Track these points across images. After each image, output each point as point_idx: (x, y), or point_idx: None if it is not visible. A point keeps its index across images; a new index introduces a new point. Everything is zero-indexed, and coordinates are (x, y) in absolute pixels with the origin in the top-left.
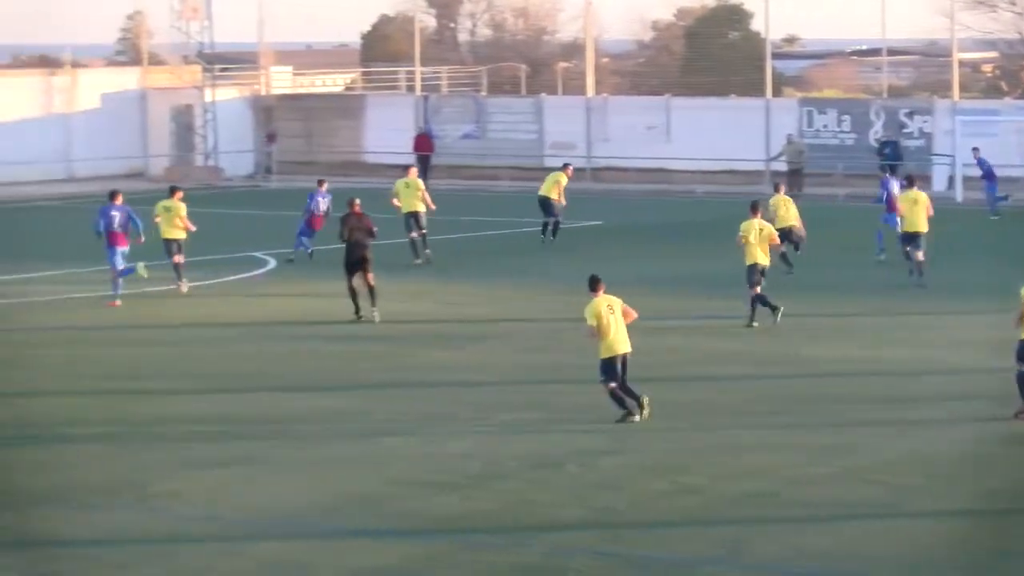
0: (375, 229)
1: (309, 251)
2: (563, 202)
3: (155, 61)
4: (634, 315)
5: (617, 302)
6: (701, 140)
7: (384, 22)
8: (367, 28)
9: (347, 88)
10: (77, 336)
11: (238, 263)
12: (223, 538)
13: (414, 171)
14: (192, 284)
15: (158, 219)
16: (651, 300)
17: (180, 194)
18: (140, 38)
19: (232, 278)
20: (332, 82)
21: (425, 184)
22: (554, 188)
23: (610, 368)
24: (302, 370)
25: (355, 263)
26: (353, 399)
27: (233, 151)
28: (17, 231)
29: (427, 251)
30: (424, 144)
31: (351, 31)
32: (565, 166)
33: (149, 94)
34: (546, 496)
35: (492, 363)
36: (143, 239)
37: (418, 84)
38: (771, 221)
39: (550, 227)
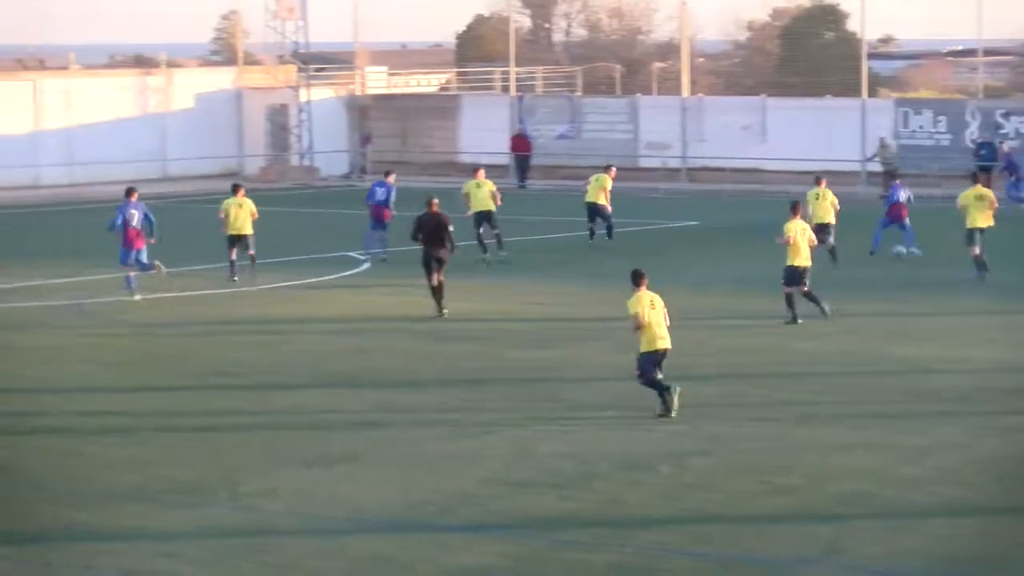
0: (452, 228)
1: (379, 254)
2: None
3: (250, 61)
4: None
5: (659, 300)
6: (796, 140)
7: (479, 22)
8: (462, 28)
9: (442, 88)
10: (173, 332)
11: (333, 262)
12: (314, 536)
13: (482, 172)
14: (287, 284)
15: (222, 215)
16: (744, 300)
17: (243, 191)
18: (235, 38)
19: (327, 277)
20: (427, 82)
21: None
22: (600, 193)
23: (649, 363)
24: (395, 368)
25: (430, 261)
26: (447, 397)
27: (328, 151)
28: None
29: (503, 253)
30: (521, 144)
31: (446, 31)
32: (608, 167)
33: (244, 94)
34: (639, 496)
35: (585, 362)
36: (154, 239)
37: (513, 84)
38: (808, 220)
39: (600, 230)
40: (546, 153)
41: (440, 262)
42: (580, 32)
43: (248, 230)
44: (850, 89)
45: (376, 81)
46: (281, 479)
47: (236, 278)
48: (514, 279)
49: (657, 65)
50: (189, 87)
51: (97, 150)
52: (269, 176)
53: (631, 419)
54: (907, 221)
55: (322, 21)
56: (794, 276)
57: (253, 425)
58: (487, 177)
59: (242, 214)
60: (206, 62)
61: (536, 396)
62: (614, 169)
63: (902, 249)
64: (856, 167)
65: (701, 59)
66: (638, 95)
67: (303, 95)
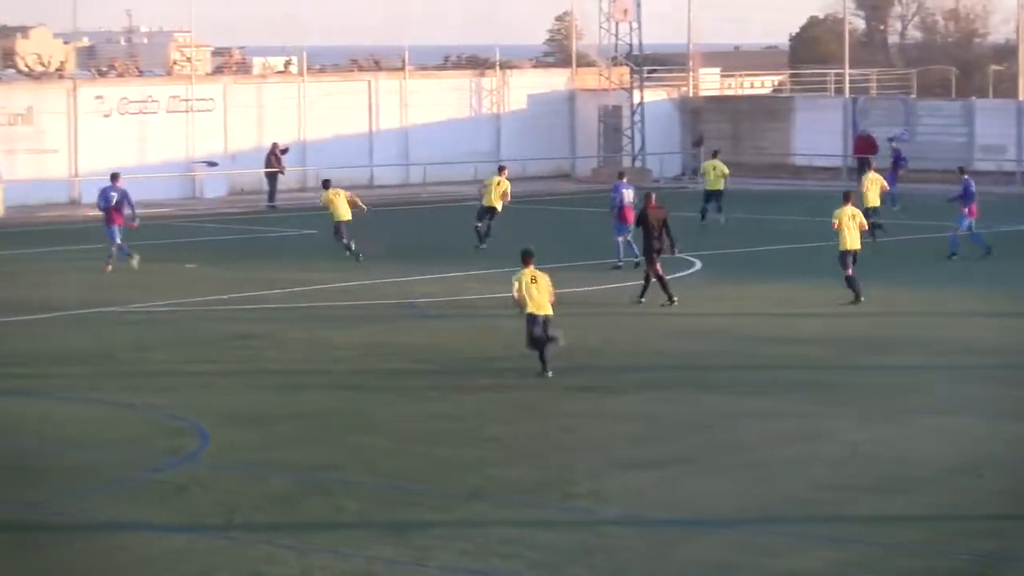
0: (667, 220)
1: (620, 260)
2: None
3: (583, 62)
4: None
5: (543, 277)
6: None
7: (813, 24)
8: (796, 30)
9: (775, 90)
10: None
11: (667, 264)
12: (645, 539)
13: (505, 171)
14: (616, 285)
15: (324, 201)
16: None
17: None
18: (569, 39)
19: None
20: (760, 84)
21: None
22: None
23: (530, 323)
24: (726, 369)
25: (649, 253)
26: (778, 401)
27: (661, 152)
28: (444, 230)
29: (483, 246)
30: (866, 146)
31: (780, 33)
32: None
33: (577, 95)
34: (968, 500)
35: (917, 366)
36: (137, 224)
37: (847, 86)
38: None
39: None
40: (881, 155)
41: (658, 253)
42: (915, 34)
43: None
44: None
45: (709, 83)
46: (613, 481)
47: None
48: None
49: (993, 68)
50: (522, 88)
51: (431, 150)
52: (601, 177)
53: (962, 424)
54: None
55: (655, 23)
56: (845, 259)
57: (587, 428)
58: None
59: (340, 201)
60: (539, 63)
61: (868, 401)
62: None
63: None
64: None
65: None
66: (973, 98)
67: (636, 97)
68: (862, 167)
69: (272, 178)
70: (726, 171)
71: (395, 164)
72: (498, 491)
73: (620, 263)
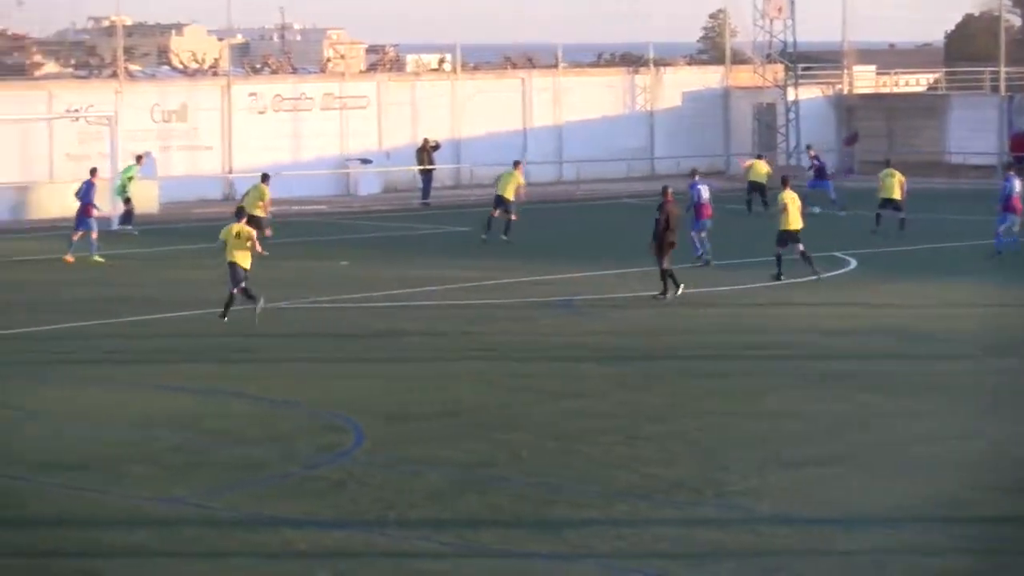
0: (678, 217)
1: (699, 254)
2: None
3: (737, 59)
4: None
5: (247, 231)
6: None
7: (968, 21)
8: (951, 27)
9: (929, 88)
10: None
11: (821, 262)
12: (801, 537)
13: (521, 167)
14: (769, 284)
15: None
16: None
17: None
18: (723, 36)
19: (812, 278)
20: (915, 82)
21: None
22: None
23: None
24: (879, 367)
25: (663, 246)
26: (927, 403)
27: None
28: (598, 227)
29: (505, 237)
30: (1023, 144)
31: (935, 30)
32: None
33: (731, 92)
34: None
35: None
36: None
37: (1002, 84)
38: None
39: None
40: None
41: (671, 247)
42: None
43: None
44: None
45: (864, 80)
46: (768, 479)
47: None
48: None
49: None
50: (676, 85)
51: (584, 148)
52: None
53: None
54: None
55: (810, 20)
56: (784, 238)
57: (746, 427)
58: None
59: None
60: (694, 60)
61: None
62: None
63: None
64: None
65: None
66: None
67: (790, 94)
68: (1021, 165)
69: (426, 175)
70: (902, 179)
71: (548, 161)
72: (652, 488)
73: (707, 256)
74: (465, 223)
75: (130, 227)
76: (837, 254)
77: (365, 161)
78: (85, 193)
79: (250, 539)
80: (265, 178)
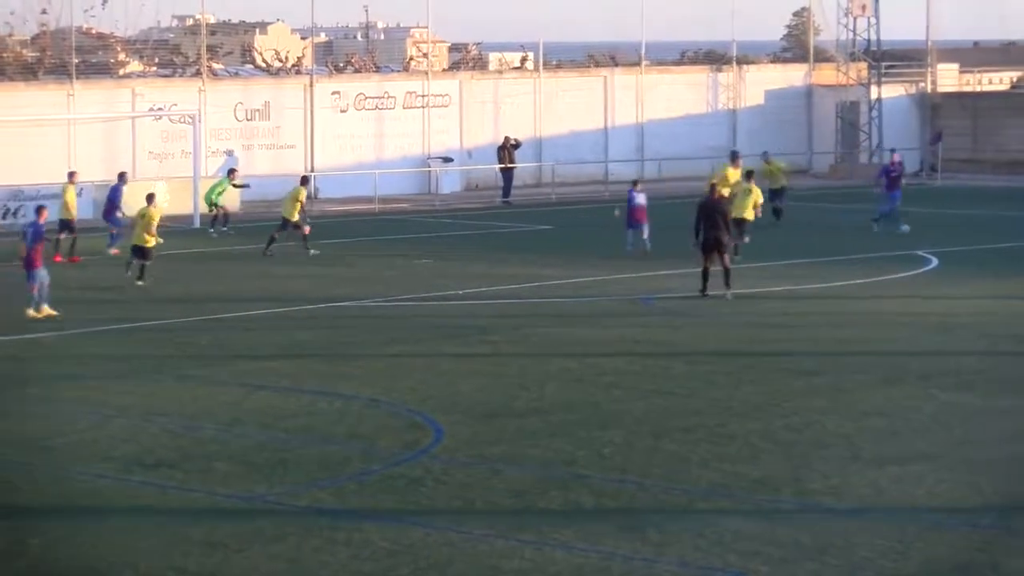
0: (729, 215)
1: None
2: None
3: (821, 57)
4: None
5: (155, 212)
6: None
7: None
8: None
9: (1013, 86)
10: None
11: (902, 261)
12: (882, 536)
13: (306, 185)
14: (854, 282)
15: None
16: None
17: None
18: (807, 34)
19: (895, 276)
20: (999, 80)
21: None
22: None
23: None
24: (967, 369)
25: (709, 244)
26: (1017, 399)
27: (898, 148)
28: (679, 226)
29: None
30: None
31: (1020, 29)
32: None
33: (815, 90)
34: None
35: None
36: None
37: None
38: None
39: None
40: None
41: (719, 245)
42: None
43: None
44: None
45: (948, 79)
46: (851, 477)
47: None
48: None
49: None
50: (759, 83)
51: (667, 145)
52: (839, 174)
53: None
54: None
55: (894, 18)
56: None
57: (826, 425)
58: None
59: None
60: (777, 58)
61: None
62: None
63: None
64: None
65: None
66: None
67: (874, 92)
68: None
69: (507, 173)
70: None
71: (630, 160)
72: (735, 487)
73: (630, 248)
74: (547, 222)
75: (224, 228)
76: (919, 252)
77: (447, 159)
78: (113, 194)
79: (331, 536)
80: (304, 181)
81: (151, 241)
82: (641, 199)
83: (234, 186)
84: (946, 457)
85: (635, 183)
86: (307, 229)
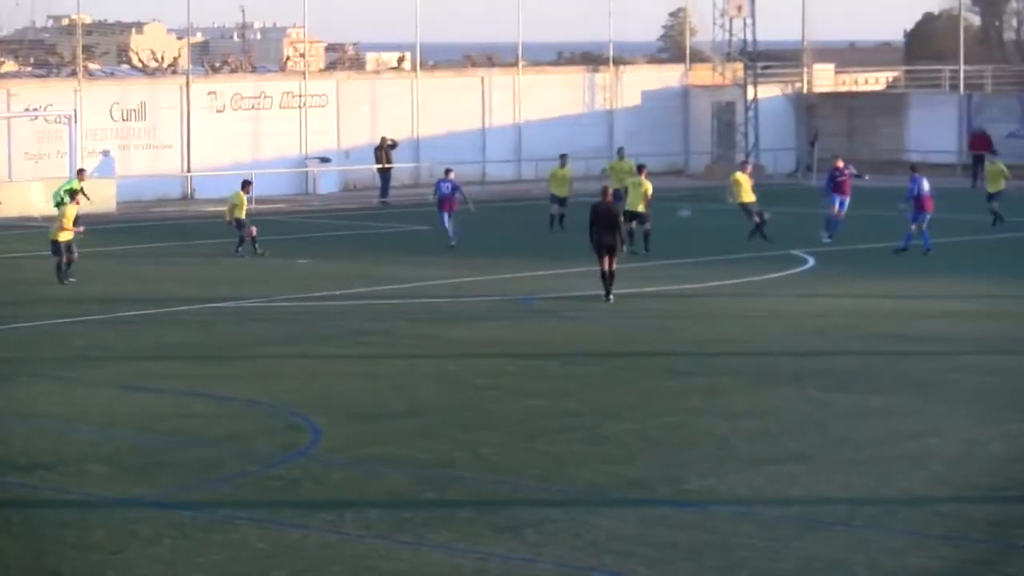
0: (621, 219)
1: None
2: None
3: (697, 58)
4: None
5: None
6: None
7: (928, 20)
8: (910, 26)
9: (889, 86)
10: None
11: (777, 261)
12: (759, 536)
13: (566, 157)
14: (730, 281)
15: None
16: None
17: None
18: (683, 35)
19: (771, 276)
20: (874, 80)
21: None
22: None
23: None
24: (841, 369)
25: (600, 249)
26: (893, 399)
27: (774, 149)
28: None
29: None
30: (981, 143)
31: (894, 29)
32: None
33: (691, 91)
34: None
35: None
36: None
37: (962, 83)
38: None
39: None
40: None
41: (611, 250)
42: None
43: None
44: None
45: (823, 79)
46: (727, 478)
47: None
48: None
49: None
50: (636, 84)
51: (544, 146)
52: (715, 174)
53: None
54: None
55: (769, 18)
56: (628, 216)
57: (699, 425)
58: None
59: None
60: (653, 59)
61: (984, 401)
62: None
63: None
64: None
65: None
66: None
67: (750, 92)
68: (976, 164)
69: (385, 174)
70: (1006, 171)
71: (508, 160)
72: (611, 487)
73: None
74: (425, 222)
75: (255, 248)
76: (794, 252)
77: (324, 160)
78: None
79: (207, 538)
80: (244, 185)
81: (64, 236)
82: (927, 185)
83: (80, 190)
84: (820, 457)
85: (914, 168)
86: (254, 230)
